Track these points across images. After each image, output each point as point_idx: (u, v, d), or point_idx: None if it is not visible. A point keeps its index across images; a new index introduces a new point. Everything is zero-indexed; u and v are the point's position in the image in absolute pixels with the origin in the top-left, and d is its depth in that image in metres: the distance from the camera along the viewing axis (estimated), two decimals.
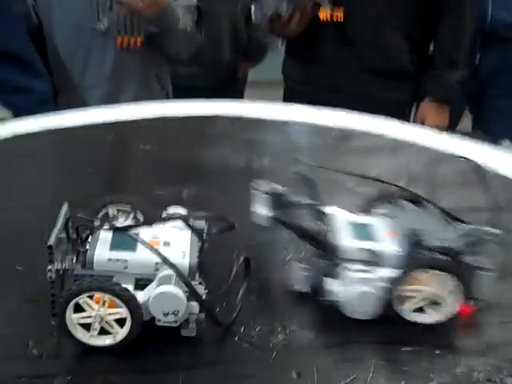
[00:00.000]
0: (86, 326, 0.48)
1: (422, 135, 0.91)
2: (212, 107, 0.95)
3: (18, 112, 1.12)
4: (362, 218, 0.57)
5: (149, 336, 0.49)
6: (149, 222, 0.54)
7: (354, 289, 0.52)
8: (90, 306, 0.48)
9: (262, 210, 0.57)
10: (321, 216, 0.57)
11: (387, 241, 0.54)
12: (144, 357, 0.48)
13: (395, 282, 0.51)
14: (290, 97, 1.61)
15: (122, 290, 0.47)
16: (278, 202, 0.58)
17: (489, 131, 1.54)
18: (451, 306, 0.52)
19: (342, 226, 0.55)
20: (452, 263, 0.52)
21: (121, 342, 0.48)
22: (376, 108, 1.03)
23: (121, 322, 0.48)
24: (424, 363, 0.48)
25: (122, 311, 0.47)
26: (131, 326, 0.48)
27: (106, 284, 0.47)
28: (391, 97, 1.46)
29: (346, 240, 0.54)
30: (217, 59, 1.91)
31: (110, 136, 0.87)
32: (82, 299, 0.47)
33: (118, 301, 0.47)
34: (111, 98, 1.46)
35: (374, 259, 0.52)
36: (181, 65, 1.72)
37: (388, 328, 0.52)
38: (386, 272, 0.52)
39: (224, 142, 0.85)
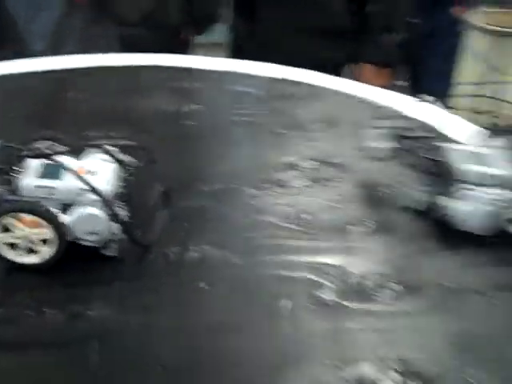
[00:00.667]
0: (15, 247, 0.53)
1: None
2: (147, 58, 0.98)
3: None
4: (480, 149, 0.61)
5: (74, 256, 0.53)
6: (75, 152, 0.57)
7: (468, 205, 0.56)
8: (16, 227, 0.52)
9: (376, 143, 0.63)
10: (438, 147, 0.62)
11: (504, 168, 0.58)
12: (68, 273, 0.53)
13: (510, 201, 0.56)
14: (235, 53, 1.64)
15: (46, 211, 0.51)
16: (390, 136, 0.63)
17: (422, 90, 1.60)
18: None
19: (459, 156, 0.60)
20: None
21: (47, 260, 0.53)
22: (310, 67, 1.06)
23: (47, 242, 0.52)
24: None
25: (47, 231, 0.52)
26: (56, 246, 0.52)
27: (30, 205, 0.51)
28: (327, 56, 1.46)
29: (460, 165, 0.58)
30: (164, 22, 1.91)
31: (45, 84, 0.90)
32: (8, 220, 0.51)
33: (42, 221, 0.51)
34: (54, 53, 1.46)
35: (491, 182, 0.57)
36: (128, 26, 1.72)
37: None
38: (503, 193, 0.56)
39: (156, 91, 0.88)
